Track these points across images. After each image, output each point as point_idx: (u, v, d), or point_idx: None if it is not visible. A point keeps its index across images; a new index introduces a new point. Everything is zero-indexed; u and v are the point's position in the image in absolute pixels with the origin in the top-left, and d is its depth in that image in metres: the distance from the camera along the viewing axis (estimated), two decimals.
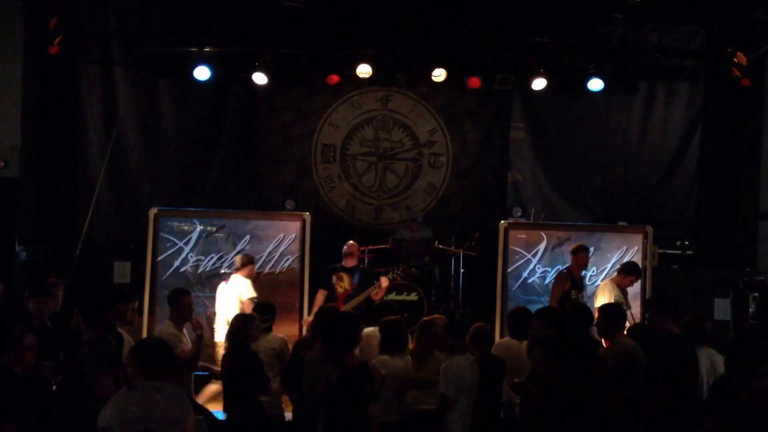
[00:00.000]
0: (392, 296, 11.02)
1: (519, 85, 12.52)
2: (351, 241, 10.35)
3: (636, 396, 6.33)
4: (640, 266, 10.31)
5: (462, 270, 12.01)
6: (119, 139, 12.39)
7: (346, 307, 9.49)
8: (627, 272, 9.67)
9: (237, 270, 9.89)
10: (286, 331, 9.67)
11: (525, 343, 7.25)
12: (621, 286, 9.62)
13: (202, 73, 11.87)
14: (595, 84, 12.03)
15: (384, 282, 9.95)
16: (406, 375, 6.86)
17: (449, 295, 12.11)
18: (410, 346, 7.19)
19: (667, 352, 6.37)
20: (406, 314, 10.60)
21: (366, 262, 11.61)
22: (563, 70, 12.33)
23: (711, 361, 6.88)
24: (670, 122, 13.08)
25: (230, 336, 7.13)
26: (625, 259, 10.56)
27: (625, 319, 7.23)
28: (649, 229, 10.78)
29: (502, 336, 9.43)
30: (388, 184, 13.34)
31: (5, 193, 10.37)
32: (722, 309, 11.08)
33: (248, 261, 9.94)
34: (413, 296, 11.15)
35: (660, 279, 10.76)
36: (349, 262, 10.17)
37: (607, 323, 6.87)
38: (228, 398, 7.03)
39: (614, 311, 7.04)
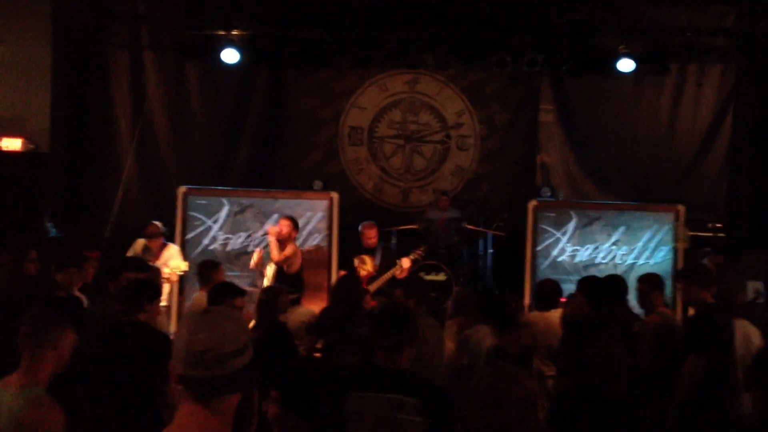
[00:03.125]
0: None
1: (548, 66, 12.44)
2: (367, 222, 10.18)
3: (672, 366, 6.26)
4: (673, 246, 10.25)
5: (490, 250, 11.94)
6: (148, 121, 12.45)
7: (370, 289, 9.44)
8: None
9: None
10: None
11: (553, 312, 7.21)
12: None
13: (229, 55, 11.93)
14: (626, 65, 11.93)
15: (405, 263, 9.81)
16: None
17: (477, 275, 12.05)
18: None
19: (701, 321, 6.31)
20: (433, 294, 10.66)
21: (395, 243, 11.58)
22: (593, 51, 12.23)
23: (744, 332, 6.78)
24: (702, 103, 12.90)
25: (259, 307, 7.14)
26: (657, 239, 10.48)
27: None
28: (681, 207, 10.67)
29: None
30: (415, 166, 13.28)
31: (35, 168, 10.42)
32: (756, 292, 10.94)
33: None
34: (441, 276, 11.10)
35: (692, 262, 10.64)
36: (368, 243, 10.06)
37: (646, 294, 6.86)
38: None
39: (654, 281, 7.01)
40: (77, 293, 7.59)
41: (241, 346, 2.32)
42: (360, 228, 10.02)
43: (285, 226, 9.51)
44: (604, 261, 10.70)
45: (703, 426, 6.02)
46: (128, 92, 12.79)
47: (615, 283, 7.18)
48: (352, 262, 9.89)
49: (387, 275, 9.67)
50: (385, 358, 4.07)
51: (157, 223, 9.87)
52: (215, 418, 2.31)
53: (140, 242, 9.85)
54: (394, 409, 3.85)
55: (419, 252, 10.03)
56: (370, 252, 9.94)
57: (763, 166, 12.61)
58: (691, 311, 7.61)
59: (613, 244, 10.74)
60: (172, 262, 9.51)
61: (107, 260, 9.76)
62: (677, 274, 9.71)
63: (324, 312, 7.78)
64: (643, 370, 6.47)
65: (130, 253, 9.77)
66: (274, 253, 9.35)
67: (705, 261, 9.51)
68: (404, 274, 9.71)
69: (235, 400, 2.36)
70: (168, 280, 9.20)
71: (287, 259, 9.39)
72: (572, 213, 10.74)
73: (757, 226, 12.41)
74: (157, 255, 9.63)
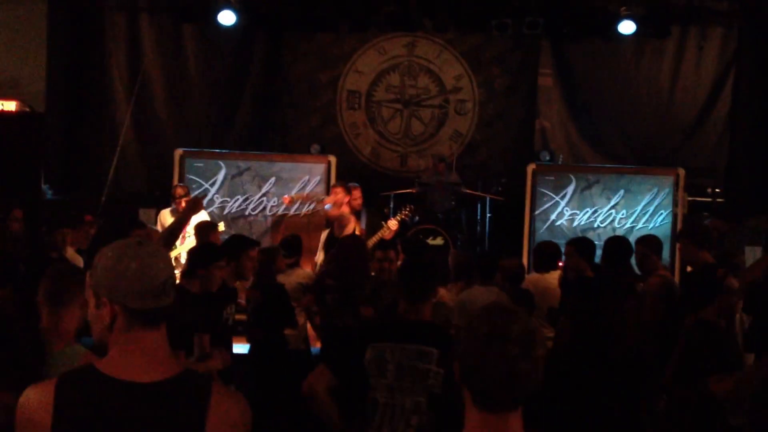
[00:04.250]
0: None
1: (548, 29, 12.33)
2: (352, 183, 9.98)
3: (673, 327, 6.24)
4: (672, 211, 10.24)
5: (489, 215, 11.89)
6: (144, 84, 12.36)
7: None
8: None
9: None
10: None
11: (552, 273, 7.19)
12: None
13: (226, 17, 11.83)
14: (626, 27, 11.82)
15: (392, 224, 9.65)
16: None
17: (475, 239, 12.01)
18: None
19: (700, 281, 6.27)
20: None
21: (393, 207, 11.52)
22: (594, 13, 12.11)
23: None
24: (703, 67, 12.81)
25: (256, 268, 7.11)
26: (656, 203, 10.45)
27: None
28: (681, 171, 10.61)
29: None
30: (413, 131, 13.19)
31: (31, 130, 10.31)
32: (754, 257, 10.92)
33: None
34: (439, 240, 11.04)
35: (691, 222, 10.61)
36: (354, 205, 9.78)
37: (644, 256, 6.82)
38: (252, 330, 7.04)
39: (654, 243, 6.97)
40: (75, 255, 7.59)
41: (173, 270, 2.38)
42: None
43: (338, 193, 9.47)
44: (602, 225, 10.67)
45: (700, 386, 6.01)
46: (125, 54, 12.71)
47: (619, 244, 7.11)
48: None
49: (375, 238, 9.43)
50: (408, 308, 4.19)
51: (182, 185, 9.81)
52: (160, 348, 2.33)
53: (165, 212, 9.78)
54: (416, 359, 3.94)
55: (405, 212, 9.87)
56: (355, 215, 9.81)
57: (764, 131, 12.55)
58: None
59: (612, 207, 10.70)
60: None
61: (105, 223, 9.75)
62: (677, 234, 9.67)
63: (324, 273, 7.75)
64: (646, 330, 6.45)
65: (157, 226, 9.67)
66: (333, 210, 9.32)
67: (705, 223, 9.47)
68: (391, 236, 9.58)
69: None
70: None
71: (341, 216, 9.35)
72: (571, 177, 10.70)
73: (757, 191, 12.38)
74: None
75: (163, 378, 2.27)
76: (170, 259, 2.36)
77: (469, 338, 2.20)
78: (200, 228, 7.98)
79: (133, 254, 2.29)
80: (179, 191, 9.67)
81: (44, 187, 10.25)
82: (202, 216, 9.66)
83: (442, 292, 6.91)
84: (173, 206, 9.69)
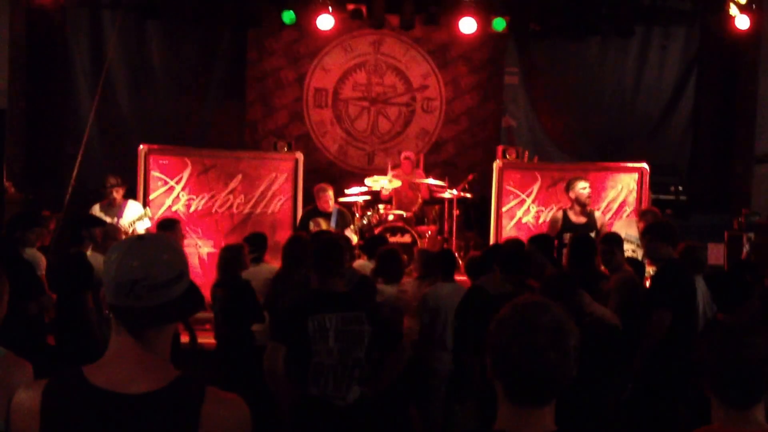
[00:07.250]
0: None
1: (514, 28, 12.39)
2: (323, 185, 10.06)
3: (636, 322, 6.29)
4: (635, 206, 10.35)
5: (456, 212, 11.91)
6: (108, 81, 12.18)
7: None
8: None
9: None
10: None
11: None
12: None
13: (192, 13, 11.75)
14: (591, 27, 11.90)
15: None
16: (396, 303, 6.91)
17: (443, 237, 12.01)
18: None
19: (666, 276, 6.35)
20: (405, 256, 10.60)
21: (360, 205, 11.50)
22: (558, 13, 12.18)
23: (705, 288, 6.83)
24: (666, 66, 12.99)
25: (220, 265, 7.09)
26: (620, 199, 10.55)
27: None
28: (645, 168, 10.70)
29: None
30: (380, 129, 13.20)
31: None
32: (716, 254, 11.04)
33: None
34: (406, 238, 11.06)
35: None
36: (324, 207, 9.93)
37: (608, 253, 6.89)
38: (219, 327, 7.02)
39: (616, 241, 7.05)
40: (36, 252, 7.51)
41: (177, 274, 2.23)
42: (316, 190, 9.93)
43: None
44: None
45: (667, 379, 6.08)
46: (88, 50, 12.58)
47: (584, 243, 7.15)
48: (308, 227, 9.75)
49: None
50: (324, 282, 4.81)
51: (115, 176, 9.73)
52: (148, 355, 2.23)
53: (95, 207, 9.69)
54: (351, 323, 4.67)
55: (367, 220, 10.03)
56: (326, 215, 9.84)
57: (726, 128, 12.71)
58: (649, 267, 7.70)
59: None
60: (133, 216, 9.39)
61: (70, 221, 9.63)
62: (641, 231, 9.71)
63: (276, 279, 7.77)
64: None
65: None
66: None
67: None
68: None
69: (171, 329, 2.29)
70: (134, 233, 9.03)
71: None
72: (537, 174, 10.74)
73: (718, 189, 12.53)
74: (119, 214, 9.51)
75: (151, 389, 2.18)
76: (164, 263, 2.21)
77: (498, 331, 2.14)
78: (161, 226, 7.93)
79: (123, 247, 2.23)
80: (111, 181, 9.54)
81: (7, 184, 10.11)
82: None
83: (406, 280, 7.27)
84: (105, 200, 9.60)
